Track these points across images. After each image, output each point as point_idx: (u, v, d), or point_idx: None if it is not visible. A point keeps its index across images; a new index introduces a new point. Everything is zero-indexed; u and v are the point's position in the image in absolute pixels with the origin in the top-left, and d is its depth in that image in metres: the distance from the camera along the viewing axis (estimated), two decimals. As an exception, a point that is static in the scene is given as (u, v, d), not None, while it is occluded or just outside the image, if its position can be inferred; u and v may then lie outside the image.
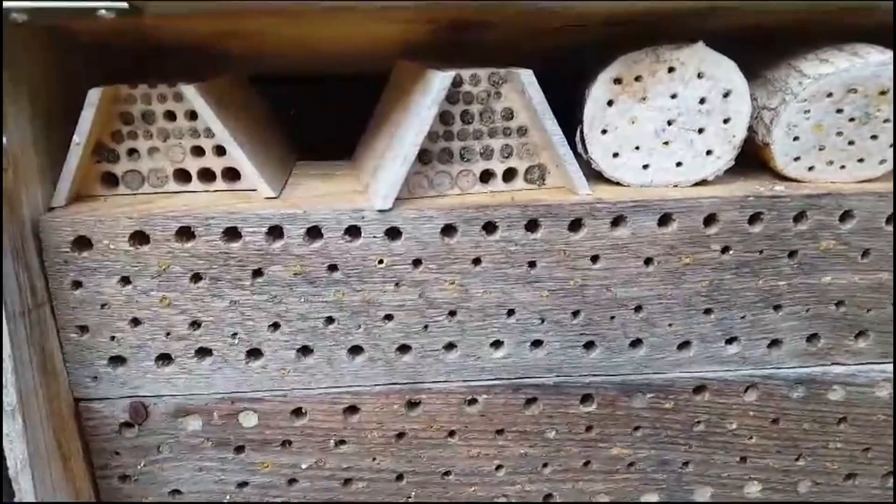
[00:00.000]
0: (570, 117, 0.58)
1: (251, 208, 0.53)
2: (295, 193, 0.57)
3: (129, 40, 0.60)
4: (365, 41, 0.63)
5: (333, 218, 0.53)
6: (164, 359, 0.57)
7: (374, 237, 0.53)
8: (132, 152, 0.57)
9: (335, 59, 0.71)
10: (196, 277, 0.54)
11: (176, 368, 0.57)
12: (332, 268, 0.54)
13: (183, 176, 0.58)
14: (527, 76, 0.52)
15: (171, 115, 0.56)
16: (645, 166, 0.57)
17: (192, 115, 0.55)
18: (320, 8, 0.45)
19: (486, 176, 0.56)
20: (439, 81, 0.50)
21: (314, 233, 0.53)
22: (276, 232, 0.53)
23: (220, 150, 0.56)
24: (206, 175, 0.58)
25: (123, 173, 0.57)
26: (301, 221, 0.53)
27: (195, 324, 0.55)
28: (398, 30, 0.59)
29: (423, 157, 0.54)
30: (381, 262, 0.54)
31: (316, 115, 0.93)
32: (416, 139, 0.51)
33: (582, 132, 0.56)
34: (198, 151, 0.57)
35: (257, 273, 0.54)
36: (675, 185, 0.58)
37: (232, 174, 0.58)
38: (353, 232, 0.53)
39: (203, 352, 0.56)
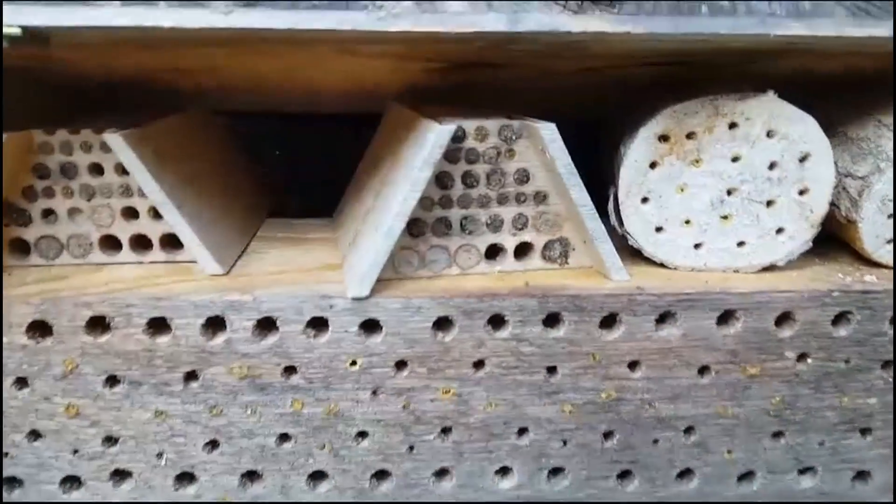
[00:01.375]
0: (592, 175, 0.46)
1: (184, 292, 0.40)
2: (248, 269, 0.45)
3: (75, 74, 0.49)
4: (349, 79, 0.52)
5: (292, 306, 0.40)
6: (71, 482, 0.43)
7: (346, 332, 0.41)
8: (48, 213, 0.45)
9: (320, 97, 0.59)
10: (112, 381, 0.41)
11: (86, 494, 0.43)
12: (290, 370, 0.41)
13: (111, 244, 0.46)
14: (548, 132, 0.40)
15: (97, 169, 0.44)
16: (697, 245, 0.45)
17: (124, 169, 0.44)
18: (258, 38, 0.34)
19: (493, 252, 0.44)
20: (435, 137, 0.39)
21: (267, 325, 0.41)
22: (216, 323, 0.40)
23: (158, 213, 0.44)
24: (141, 243, 0.46)
25: (36, 239, 0.45)
26: (249, 310, 0.40)
27: (110, 439, 0.42)
28: (389, 67, 0.47)
29: (414, 228, 0.42)
30: (353, 363, 0.41)
31: (311, 153, 0.82)
32: (403, 208, 0.39)
33: (616, 200, 0.44)
34: (130, 214, 0.45)
35: (191, 376, 0.41)
36: (737, 271, 0.45)
37: (174, 241, 0.46)
38: (319, 324, 0.41)
39: (120, 474, 0.43)
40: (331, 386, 0.42)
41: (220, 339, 0.41)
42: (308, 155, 0.81)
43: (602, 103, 0.54)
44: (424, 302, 0.40)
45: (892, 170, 0.43)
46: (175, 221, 0.43)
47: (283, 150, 0.87)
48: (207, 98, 0.59)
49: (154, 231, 0.46)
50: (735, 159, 0.43)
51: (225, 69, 0.46)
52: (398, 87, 0.54)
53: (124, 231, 0.45)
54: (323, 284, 0.41)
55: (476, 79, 0.50)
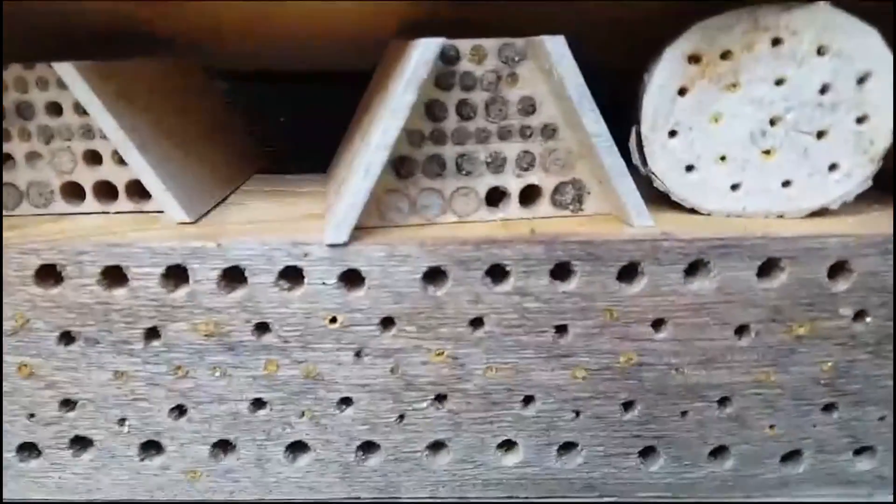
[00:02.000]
0: (620, 122, 0.40)
1: (143, 239, 0.36)
2: (221, 219, 0.40)
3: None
4: (345, 24, 0.46)
5: (262, 254, 0.35)
6: (28, 450, 0.39)
7: (324, 284, 0.35)
8: (6, 159, 0.41)
9: (313, 46, 0.54)
10: (66, 337, 0.37)
11: (45, 463, 0.39)
12: (262, 328, 0.36)
13: (74, 192, 0.41)
14: (556, 46, 0.34)
15: (55, 108, 0.40)
16: (734, 186, 0.38)
17: (86, 109, 0.39)
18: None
19: (494, 196, 0.38)
20: (419, 53, 0.33)
21: (234, 276, 0.36)
22: (178, 274, 0.36)
23: (124, 159, 0.39)
24: (106, 191, 0.41)
25: (-7, 187, 0.41)
26: (214, 259, 0.35)
27: (68, 403, 0.38)
28: (383, 11, 0.42)
29: (402, 167, 0.37)
30: (333, 320, 0.36)
31: (320, 119, 0.77)
32: (383, 140, 0.34)
33: (639, 135, 0.38)
34: (93, 159, 0.41)
35: (152, 333, 0.37)
36: (781, 216, 0.38)
37: (142, 189, 0.41)
38: (293, 276, 0.36)
39: (80, 442, 0.39)
40: (309, 346, 0.37)
41: (182, 291, 0.36)
42: (312, 118, 0.76)
43: (633, 52, 0.48)
44: (412, 250, 0.35)
45: (971, 92, 0.36)
46: (136, 163, 0.38)
47: (287, 113, 0.83)
48: (193, 50, 0.55)
49: (119, 178, 0.41)
50: (779, 82, 0.37)
51: (194, 8, 0.40)
52: (390, 29, 0.48)
53: (87, 178, 0.41)
54: (300, 233, 0.36)
55: (477, 15, 0.44)
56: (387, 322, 0.36)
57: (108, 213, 0.41)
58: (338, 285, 0.35)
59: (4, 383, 0.38)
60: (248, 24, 0.46)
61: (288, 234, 0.36)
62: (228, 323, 0.36)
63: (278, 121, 0.83)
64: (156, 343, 0.37)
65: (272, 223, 0.38)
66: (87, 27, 0.47)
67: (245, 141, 0.61)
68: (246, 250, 0.35)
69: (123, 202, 0.41)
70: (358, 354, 0.37)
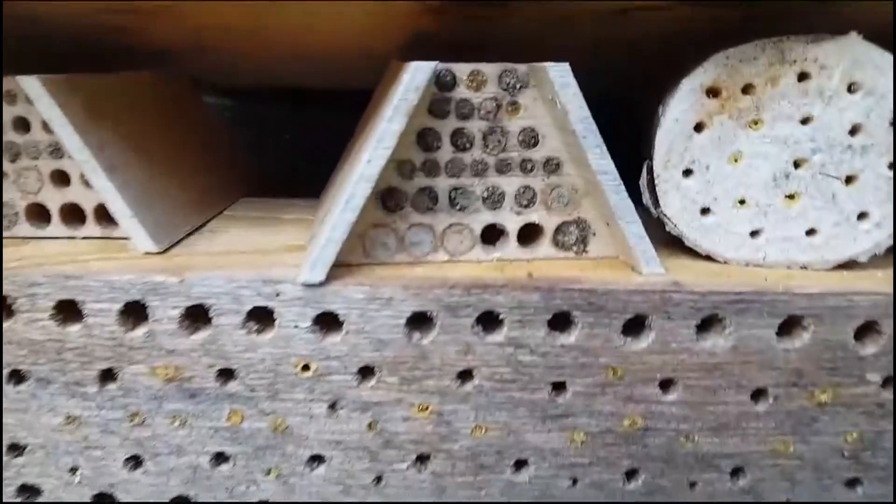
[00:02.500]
0: (631, 158, 0.36)
1: (101, 271, 0.32)
2: (192, 248, 0.37)
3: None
4: (353, 39, 0.43)
5: (229, 292, 0.32)
6: (-29, 497, 0.36)
7: (296, 327, 0.32)
8: (-34, 177, 0.38)
9: (311, 61, 0.51)
10: (16, 377, 0.34)
11: (-12, 513, 0.36)
12: (226, 374, 0.33)
13: (40, 214, 0.38)
14: (560, 74, 0.31)
15: (22, 124, 0.37)
16: (754, 233, 0.35)
17: (54, 125, 0.36)
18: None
19: (490, 234, 0.35)
20: (409, 77, 0.30)
21: (198, 315, 0.32)
22: (138, 311, 0.32)
23: (93, 178, 0.36)
24: (74, 214, 0.38)
25: (-46, 208, 0.38)
26: (176, 296, 0.32)
27: (16, 448, 0.35)
28: (381, 10, 0.39)
29: (389, 200, 0.33)
30: (305, 368, 0.33)
31: (326, 138, 0.73)
32: (367, 171, 0.31)
33: (651, 172, 0.34)
34: (61, 179, 0.38)
35: (107, 376, 0.33)
36: (804, 268, 0.35)
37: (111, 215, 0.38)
38: (263, 317, 0.32)
39: (29, 490, 0.36)
40: (278, 395, 0.33)
41: (141, 330, 0.32)
42: (318, 136, 0.73)
43: (641, 73, 0.45)
44: (396, 292, 0.32)
45: None
46: (101, 185, 0.35)
47: (292, 131, 0.80)
48: (182, 62, 0.52)
49: (87, 200, 0.38)
50: (805, 120, 0.33)
51: (188, 16, 0.37)
52: (397, 41, 0.45)
53: (54, 199, 0.38)
54: (275, 268, 0.33)
55: (486, 29, 0.41)
56: (365, 372, 0.33)
57: (74, 237, 0.38)
58: (312, 329, 0.32)
59: (-54, 423, 0.34)
60: (252, 37, 0.43)
61: (260, 270, 0.32)
62: (190, 367, 0.33)
63: (282, 139, 0.80)
64: (111, 386, 0.33)
65: (246, 255, 0.35)
66: (75, 39, 0.44)
67: (238, 161, 0.58)
68: (211, 287, 0.32)
69: (91, 227, 0.38)
70: (332, 407, 0.33)
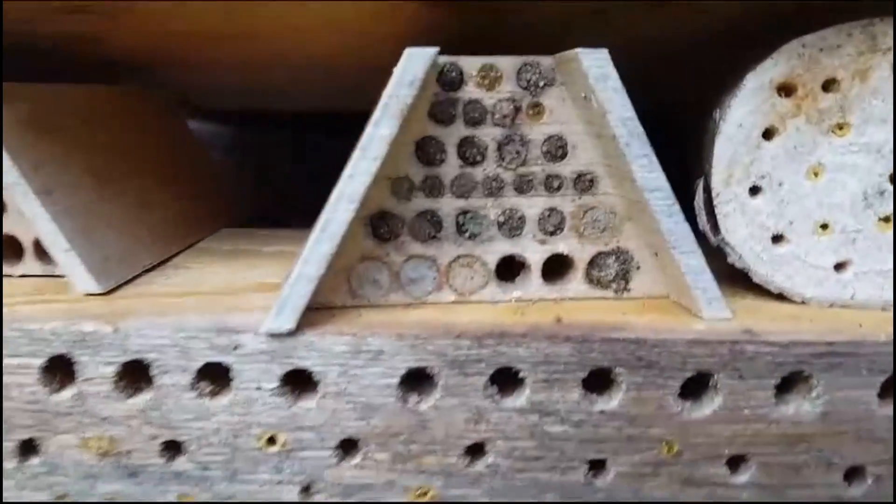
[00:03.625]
0: (672, 178, 0.30)
1: (22, 318, 0.26)
2: (144, 289, 0.30)
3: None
4: (352, 62, 0.37)
5: (175, 345, 0.25)
6: None
7: (259, 389, 0.25)
8: None
9: (303, 72, 0.44)
10: (-88, 448, 0.27)
11: None
12: (173, 447, 0.26)
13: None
14: (597, 63, 0.24)
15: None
16: (840, 265, 0.28)
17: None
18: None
19: (508, 269, 0.28)
20: (402, 67, 0.23)
21: (139, 373, 0.25)
22: (65, 368, 0.26)
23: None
24: (12, 248, 0.32)
25: None
26: (110, 349, 0.25)
27: (-88, 539, 0.28)
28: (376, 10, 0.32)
29: (382, 226, 0.27)
30: (271, 441, 0.26)
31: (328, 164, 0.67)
32: (349, 189, 0.24)
33: (708, 191, 0.27)
34: (-6, 206, 0.31)
35: (28, 448, 0.26)
36: (906, 309, 0.28)
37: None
38: (217, 376, 0.25)
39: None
40: (237, 476, 0.26)
41: (68, 391, 0.26)
42: (320, 163, 0.67)
43: (682, 77, 0.38)
44: (388, 343, 0.25)
45: None
46: (33, 212, 0.29)
47: (291, 157, 0.74)
48: (166, 78, 0.46)
49: (25, 231, 0.31)
50: (908, 124, 0.26)
51: (153, 18, 0.31)
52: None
53: (-12, 232, 0.32)
54: (235, 313, 0.26)
55: (503, 28, 0.35)
56: (348, 446, 0.26)
57: (11, 276, 0.32)
58: (280, 391, 0.25)
59: None
60: (232, 44, 0.37)
61: (216, 316, 0.25)
62: (129, 439, 0.26)
63: (283, 166, 0.75)
64: (34, 461, 0.27)
65: (204, 297, 0.28)
66: (39, 51, 0.38)
67: (224, 188, 0.52)
68: (152, 338, 0.25)
69: (30, 263, 0.32)
70: (306, 490, 0.26)
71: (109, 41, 0.34)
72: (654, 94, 0.40)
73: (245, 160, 0.74)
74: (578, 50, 0.24)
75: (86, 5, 0.29)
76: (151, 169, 0.41)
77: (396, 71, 0.23)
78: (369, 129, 0.23)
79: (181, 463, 0.26)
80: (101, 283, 0.29)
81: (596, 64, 0.24)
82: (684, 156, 0.32)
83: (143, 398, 0.25)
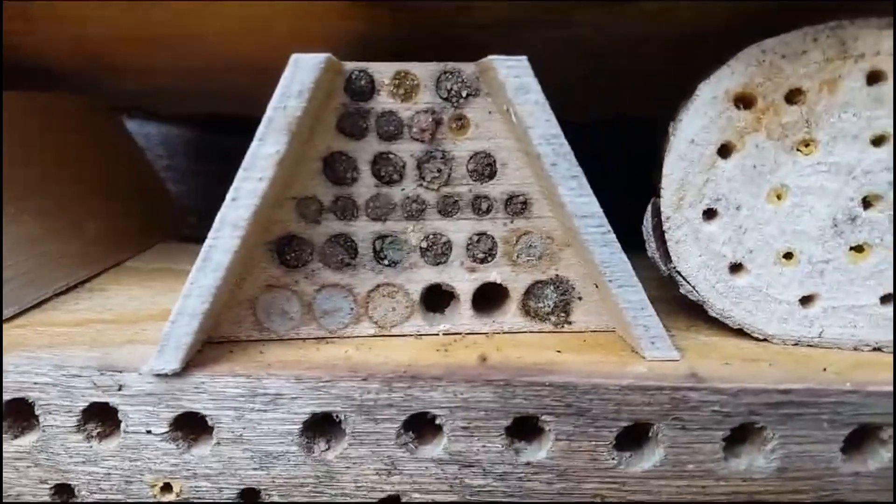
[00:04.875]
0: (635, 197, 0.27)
1: None
2: (41, 317, 0.28)
3: None
4: (258, 32, 0.34)
5: (57, 383, 0.23)
6: None
7: (149, 433, 0.23)
8: None
9: (236, 78, 0.42)
10: None
11: None
12: (63, 492, 0.24)
13: None
14: (514, 73, 0.21)
15: None
16: (806, 299, 0.25)
17: None
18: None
19: (436, 299, 0.25)
20: (288, 76, 0.21)
21: (24, 413, 0.23)
22: (-58, 405, 0.23)
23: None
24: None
25: None
26: (-14, 387, 0.23)
27: None
28: (305, 12, 0.30)
29: (287, 251, 0.24)
30: (167, 488, 0.23)
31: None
32: (233, 214, 0.21)
33: (658, 214, 0.25)
34: None
35: None
36: (878, 349, 0.25)
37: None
38: (103, 418, 0.23)
39: None
40: (128, 525, 0.24)
41: (-53, 432, 0.24)
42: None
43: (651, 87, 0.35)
44: (286, 386, 0.22)
45: None
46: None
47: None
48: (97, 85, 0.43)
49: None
50: (878, 141, 0.23)
51: (67, 20, 0.29)
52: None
53: None
54: (125, 347, 0.24)
55: (449, 32, 0.32)
56: (249, 496, 0.23)
57: None
58: (171, 436, 0.23)
59: None
60: (154, 49, 0.34)
61: (103, 351, 0.23)
62: (17, 482, 0.24)
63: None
64: (-87, 505, 0.24)
65: (101, 327, 0.26)
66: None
67: (163, 198, 0.49)
68: (32, 376, 0.23)
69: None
70: (203, 544, 0.24)
71: (24, 46, 0.32)
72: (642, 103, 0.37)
73: (210, 167, 0.71)
74: (493, 57, 0.21)
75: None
76: (78, 181, 0.38)
77: (282, 80, 0.20)
78: (253, 147, 0.21)
79: (69, 511, 0.24)
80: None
81: (514, 73, 0.21)
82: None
83: (30, 439, 0.23)
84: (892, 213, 0.24)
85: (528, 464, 0.23)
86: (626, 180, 0.29)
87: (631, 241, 0.24)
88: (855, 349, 0.25)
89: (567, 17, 0.27)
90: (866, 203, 0.24)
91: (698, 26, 0.27)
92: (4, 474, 0.24)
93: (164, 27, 0.30)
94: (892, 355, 0.24)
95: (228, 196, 0.21)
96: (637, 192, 0.28)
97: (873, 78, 0.23)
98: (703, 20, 0.27)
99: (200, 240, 0.22)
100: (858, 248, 0.24)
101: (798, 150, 0.24)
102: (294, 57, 0.20)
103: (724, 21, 0.26)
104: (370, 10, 0.26)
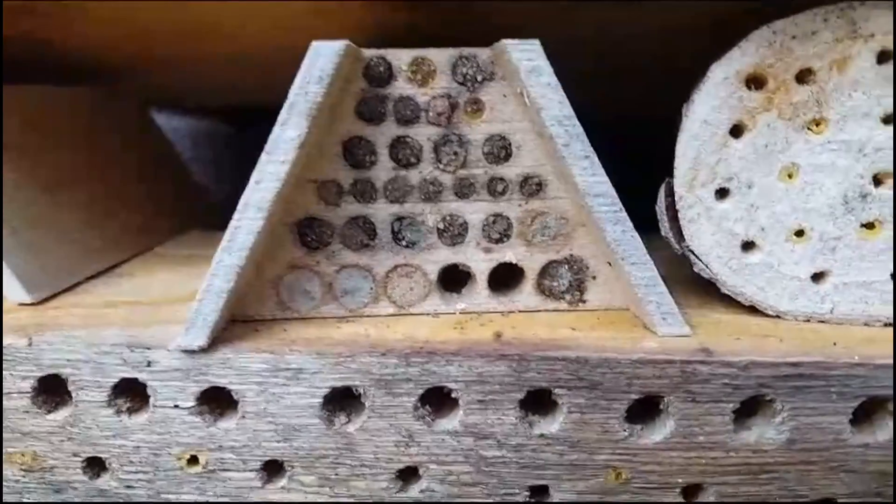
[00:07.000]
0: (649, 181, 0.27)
1: (-66, 327, 0.25)
2: (76, 299, 0.29)
3: None
4: (281, 32, 0.35)
5: (89, 360, 0.24)
6: None
7: (177, 407, 0.24)
8: None
9: (261, 74, 0.43)
10: None
11: None
12: (96, 464, 0.25)
13: None
14: (527, 55, 0.22)
15: None
16: (817, 276, 0.25)
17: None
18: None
19: (451, 278, 0.26)
20: (308, 63, 0.21)
21: (58, 388, 0.24)
22: (-17, 381, 0.25)
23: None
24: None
25: None
26: (25, 364, 0.24)
27: None
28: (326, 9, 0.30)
29: (309, 233, 0.25)
30: (193, 460, 0.24)
31: None
32: (257, 196, 0.22)
33: (671, 193, 0.25)
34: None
35: (-54, 463, 0.26)
36: (889, 325, 0.25)
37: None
38: (133, 392, 0.24)
39: None
40: (160, 495, 0.25)
41: (-12, 406, 0.25)
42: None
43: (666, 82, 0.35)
44: (307, 361, 0.23)
45: None
46: (-34, 220, 0.28)
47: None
48: (131, 79, 0.44)
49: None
50: (888, 119, 0.24)
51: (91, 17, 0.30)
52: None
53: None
54: (153, 328, 0.25)
55: (467, 26, 0.32)
56: (272, 468, 0.24)
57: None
58: (197, 410, 0.24)
59: None
60: (181, 43, 0.35)
61: (132, 330, 0.24)
62: (51, 454, 0.25)
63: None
64: (-44, 475, 0.26)
65: (131, 309, 0.27)
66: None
67: (193, 188, 0.50)
68: (66, 353, 0.24)
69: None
70: (230, 513, 0.25)
71: (62, 42, 0.33)
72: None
73: (233, 158, 0.72)
74: (506, 41, 0.21)
75: (33, 6, 0.28)
76: (110, 172, 0.40)
77: (303, 66, 0.21)
78: (276, 131, 0.21)
79: (105, 480, 0.25)
80: (32, 294, 0.28)
81: (526, 56, 0.21)
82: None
83: (63, 414, 0.24)
84: (902, 190, 0.24)
85: (541, 436, 0.23)
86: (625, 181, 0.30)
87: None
88: (866, 325, 0.25)
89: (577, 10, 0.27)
90: (877, 180, 0.24)
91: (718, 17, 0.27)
92: (39, 447, 0.25)
93: (192, 23, 0.31)
94: (902, 331, 0.25)
95: (252, 179, 0.22)
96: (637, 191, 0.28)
97: (883, 57, 0.23)
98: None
99: (226, 228, 0.23)
100: (869, 225, 0.25)
101: (809, 128, 0.24)
102: (314, 44, 0.21)
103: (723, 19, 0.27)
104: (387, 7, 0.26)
